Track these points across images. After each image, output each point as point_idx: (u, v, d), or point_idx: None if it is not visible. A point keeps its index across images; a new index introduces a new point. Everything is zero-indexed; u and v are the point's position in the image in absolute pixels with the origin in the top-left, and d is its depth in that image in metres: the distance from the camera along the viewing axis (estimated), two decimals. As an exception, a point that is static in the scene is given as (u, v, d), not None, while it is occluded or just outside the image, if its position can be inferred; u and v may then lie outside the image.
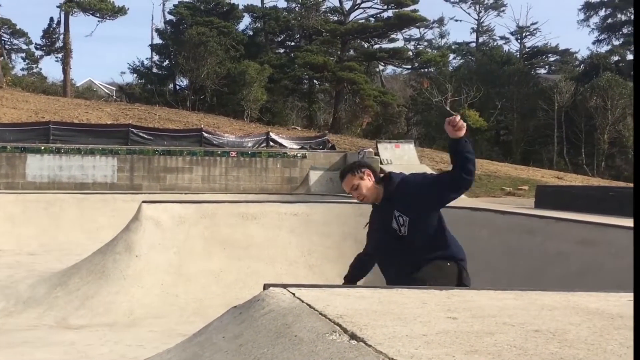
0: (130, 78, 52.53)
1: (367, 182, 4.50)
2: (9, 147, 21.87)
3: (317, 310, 3.05)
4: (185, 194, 20.14)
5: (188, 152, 23.08)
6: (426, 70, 46.99)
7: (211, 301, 9.45)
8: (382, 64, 49.02)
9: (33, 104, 30.82)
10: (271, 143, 24.99)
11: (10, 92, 33.59)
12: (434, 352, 2.48)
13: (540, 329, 2.86)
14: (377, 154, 22.52)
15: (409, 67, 48.36)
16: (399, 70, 52.78)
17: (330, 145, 26.03)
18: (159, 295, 9.46)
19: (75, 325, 8.73)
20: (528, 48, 54.26)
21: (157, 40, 46.38)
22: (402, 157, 22.54)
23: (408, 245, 4.30)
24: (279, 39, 48.31)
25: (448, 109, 41.24)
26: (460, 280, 4.40)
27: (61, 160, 22.07)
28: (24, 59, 55.55)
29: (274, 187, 23.09)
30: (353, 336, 2.71)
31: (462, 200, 17.75)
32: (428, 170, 22.36)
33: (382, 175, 4.66)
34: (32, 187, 21.07)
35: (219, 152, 23.32)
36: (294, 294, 3.36)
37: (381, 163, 22.00)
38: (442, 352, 2.48)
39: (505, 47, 53.88)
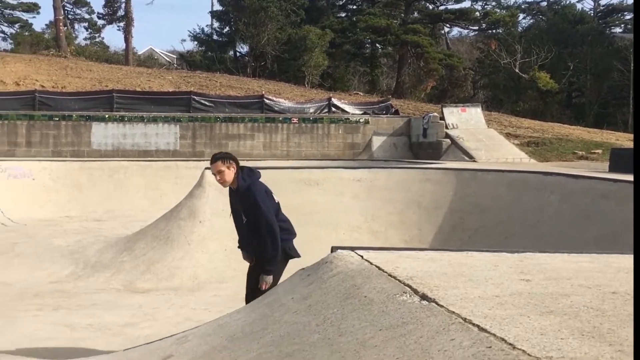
0: (190, 45, 53.17)
1: (230, 172, 5.48)
2: (74, 115, 22.48)
3: (386, 272, 3.06)
4: (247, 160, 20.32)
5: (249, 118, 23.23)
6: (494, 31, 45.72)
7: (275, 266, 9.55)
8: (447, 25, 47.98)
9: (96, 72, 31.53)
10: (333, 109, 24.87)
11: (75, 62, 34.45)
12: (508, 313, 2.45)
13: (617, 290, 2.79)
14: (442, 118, 22.12)
15: (476, 28, 47.15)
16: (465, 32, 51.59)
17: (393, 110, 25.72)
18: (222, 261, 9.62)
19: (142, 289, 8.98)
20: (602, 6, 52.19)
21: (217, 7, 46.63)
22: (468, 122, 22.09)
23: (249, 229, 5.56)
24: (341, 3, 47.78)
25: (517, 71, 40.12)
26: (289, 256, 5.70)
27: (125, 128, 22.57)
28: (86, 29, 56.94)
29: (335, 153, 23.04)
30: (424, 297, 2.69)
31: (532, 165, 17.34)
32: (495, 135, 21.88)
33: (241, 168, 5.60)
34: (97, 154, 21.65)
35: (281, 119, 23.39)
36: (362, 257, 3.37)
37: (447, 128, 21.63)
38: (516, 313, 2.45)
39: (579, 6, 52.20)
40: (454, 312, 2.47)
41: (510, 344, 2.07)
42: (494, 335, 2.18)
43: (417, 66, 42.61)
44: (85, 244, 11.55)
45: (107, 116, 22.72)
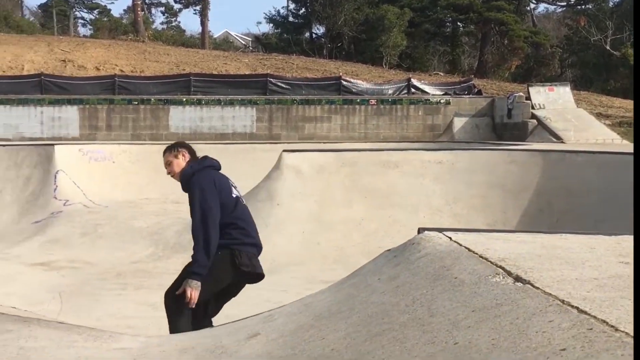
0: (266, 28, 53.56)
1: (180, 162, 4.95)
2: (152, 99, 23.09)
3: (476, 254, 3.02)
4: (324, 143, 20.41)
5: (326, 100, 23.25)
6: (583, 7, 44.08)
7: (352, 249, 9.58)
8: (533, 2, 46.63)
9: (174, 56, 32.25)
10: (412, 90, 24.60)
11: (152, 46, 35.35)
12: (608, 295, 2.40)
13: None
14: (528, 98, 21.52)
15: (564, 4, 45.61)
16: (552, 8, 50.01)
17: (476, 90, 25.22)
18: (300, 243, 9.71)
19: (220, 270, 9.15)
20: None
21: (293, -11, 46.81)
22: (556, 102, 21.40)
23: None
24: (420, -19, 47.13)
25: (608, 48, 38.59)
26: (238, 266, 4.78)
27: (202, 112, 23.01)
28: (163, 13, 58.27)
29: (415, 135, 22.79)
30: (518, 279, 2.65)
31: (625, 146, 16.66)
32: (585, 115, 21.13)
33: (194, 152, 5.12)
34: (175, 137, 22.12)
35: (358, 100, 23.31)
36: (450, 238, 3.32)
37: (533, 108, 21.04)
38: (616, 295, 2.40)
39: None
40: (550, 294, 2.42)
41: (612, 326, 2.03)
42: (595, 317, 2.13)
43: (501, 44, 41.59)
44: (164, 226, 11.89)
45: (184, 100, 23.22)
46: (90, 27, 55.08)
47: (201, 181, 4.77)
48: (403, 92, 24.58)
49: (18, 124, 22.08)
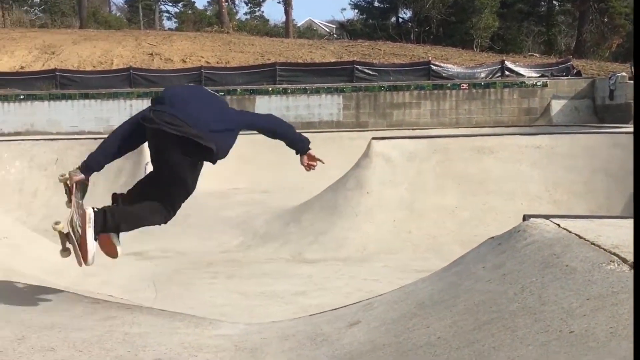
0: (351, 14, 53.56)
1: None
2: (239, 90, 23.50)
3: (588, 241, 2.92)
4: (414, 129, 20.19)
5: (415, 86, 23.03)
6: (691, -23, 41.76)
7: (445, 237, 9.45)
8: (634, -25, 44.53)
9: (258, 46, 32.68)
10: (506, 72, 24.03)
11: (237, 37, 35.93)
12: None
13: None
14: (631, 78, 20.64)
15: (669, -24, 43.26)
16: (655, -19, 47.53)
17: (574, 71, 24.39)
18: (391, 232, 9.65)
19: (310, 259, 9.23)
20: None
21: (378, -28, 46.51)
22: (662, 81, 20.40)
23: None
24: (512, -42, 45.90)
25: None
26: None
27: (288, 101, 23.25)
28: (246, 3, 59.21)
29: (510, 119, 22.27)
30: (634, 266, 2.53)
31: None
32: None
33: None
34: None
35: (449, 85, 22.97)
36: (558, 225, 3.21)
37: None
38: None
39: None
40: (673, 282, 2.29)
41: None
42: None
43: (600, 22, 39.98)
44: (253, 215, 12.07)
45: (270, 89, 23.52)
46: (175, 20, 56.63)
47: None
48: (496, 75, 24.06)
49: (108, 117, 22.96)
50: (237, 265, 9.11)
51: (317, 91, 23.16)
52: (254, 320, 5.40)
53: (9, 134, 22.14)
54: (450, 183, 10.36)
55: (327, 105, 23.07)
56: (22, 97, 23.51)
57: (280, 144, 16.66)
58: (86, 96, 23.30)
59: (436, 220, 9.90)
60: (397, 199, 10.23)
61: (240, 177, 17.08)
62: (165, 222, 4.44)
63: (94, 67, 28.71)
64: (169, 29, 51.51)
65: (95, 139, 17.59)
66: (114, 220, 4.21)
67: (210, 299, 7.08)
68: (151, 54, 30.30)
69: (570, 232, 3.09)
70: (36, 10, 50.95)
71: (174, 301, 6.87)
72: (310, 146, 5.02)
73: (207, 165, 17.38)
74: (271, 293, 7.32)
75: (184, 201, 4.55)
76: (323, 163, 5.00)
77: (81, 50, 30.40)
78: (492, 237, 3.45)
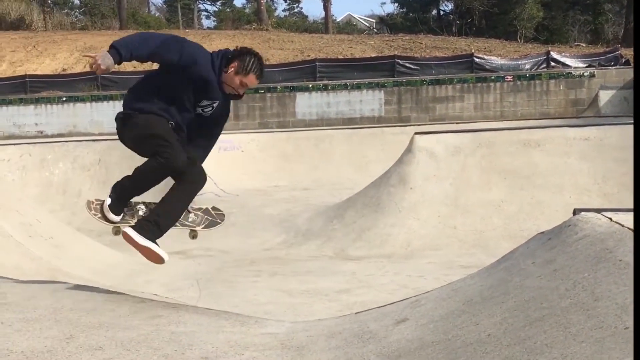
0: (390, 8, 53.31)
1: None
2: (279, 87, 23.58)
3: (642, 235, 2.83)
4: (457, 123, 20.04)
5: (458, 79, 22.82)
6: None
7: (492, 233, 9.35)
8: (686, -41, 43.35)
9: (298, 43, 32.76)
10: (552, 63, 23.66)
11: (276, 34, 36.07)
12: None
13: None
14: (683, 66, 20.13)
15: None
16: None
17: (623, 60, 23.88)
18: (435, 227, 9.58)
19: (354, 256, 9.23)
20: None
21: (418, -35, 46.18)
22: None
23: None
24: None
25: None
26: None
27: (328, 97, 23.26)
28: (285, 0, 59.41)
29: (556, 111, 21.92)
30: None
31: None
32: None
33: None
34: (302, 124, 22.56)
35: (493, 78, 22.70)
36: (610, 219, 3.14)
37: (690, 76, 19.64)
38: None
39: None
40: None
41: None
42: None
43: (649, 9, 39.07)
44: (294, 213, 12.12)
45: (310, 86, 23.55)
46: (214, 18, 57.10)
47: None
48: (542, 67, 23.72)
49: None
50: (279, 263, 9.16)
51: (358, 87, 23.12)
52: (298, 318, 5.42)
53: (52, 136, 22.62)
54: (496, 177, 10.25)
55: (369, 101, 23.01)
56: (64, 99, 23.98)
57: (323, 144, 16.66)
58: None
59: (482, 216, 9.80)
60: (441, 194, 10.15)
61: (281, 174, 17.17)
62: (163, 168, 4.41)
63: (134, 67, 29.08)
64: (208, 27, 52.00)
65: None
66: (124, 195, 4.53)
67: (254, 297, 7.12)
68: (191, 53, 30.61)
69: (623, 225, 3.03)
70: (76, 13, 51.92)
71: (218, 300, 6.94)
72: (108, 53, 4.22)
73: (247, 163, 17.47)
74: (315, 291, 7.33)
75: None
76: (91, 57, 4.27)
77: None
78: (542, 232, 3.40)
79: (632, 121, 13.67)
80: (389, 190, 10.52)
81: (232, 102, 5.09)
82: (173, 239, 11.25)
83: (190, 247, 10.65)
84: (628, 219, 3.19)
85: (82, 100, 23.85)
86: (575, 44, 35.14)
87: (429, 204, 10.01)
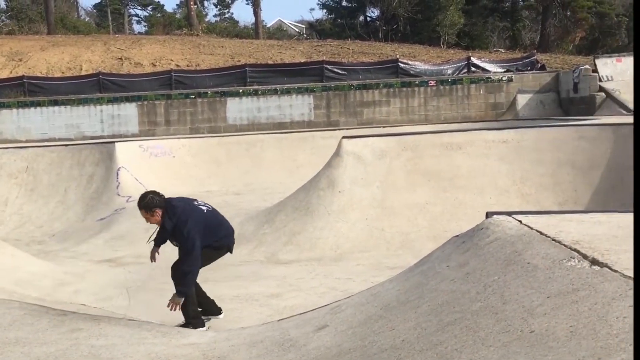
0: (319, 14, 53.55)
1: (156, 216, 6.17)
2: (209, 92, 23.36)
3: (549, 237, 2.93)
4: (384, 127, 20.26)
5: (384, 84, 23.08)
6: (650, -30, 42.33)
7: (417, 234, 9.49)
8: (596, -31, 45.03)
9: (228, 48, 32.49)
10: (472, 68, 24.20)
11: (206, 39, 35.69)
12: None
13: None
14: (595, 70, 20.87)
15: (629, -31, 43.86)
16: (616, -26, 48.14)
17: (539, 65, 24.62)
18: (364, 230, 9.67)
19: (285, 260, 9.22)
20: None
21: (346, -28, 46.50)
22: (624, 73, 20.68)
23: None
24: (476, -45, 46.15)
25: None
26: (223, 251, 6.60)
27: (259, 102, 23.17)
28: (215, 5, 58.92)
29: (477, 114, 22.45)
30: (594, 262, 2.56)
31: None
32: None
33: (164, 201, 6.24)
34: (233, 129, 22.42)
35: (417, 82, 23.06)
36: (520, 221, 3.23)
37: (600, 80, 20.41)
38: None
39: None
40: (630, 277, 2.32)
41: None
42: None
43: (564, 16, 40.42)
44: (226, 218, 12.01)
45: (241, 91, 23.41)
46: (145, 23, 56.14)
47: (183, 225, 6.02)
48: (463, 72, 24.21)
49: (79, 123, 22.71)
50: (211, 269, 9.00)
51: (288, 91, 23.12)
52: (228, 325, 5.37)
53: (-22, 143, 21.77)
54: (421, 180, 10.41)
55: (298, 106, 23.04)
56: (-11, 105, 23.14)
57: (254, 148, 16.59)
58: (55, 103, 23.01)
59: (408, 217, 9.94)
60: (369, 197, 10.25)
61: (213, 179, 17.02)
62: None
63: (62, 73, 28.35)
64: (139, 32, 51.05)
65: (66, 145, 17.43)
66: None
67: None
68: (120, 59, 29.99)
69: (532, 228, 3.11)
70: (3, 17, 50.18)
71: (148, 308, 6.82)
72: (182, 298, 5.95)
73: (179, 169, 17.19)
74: (246, 296, 7.29)
75: None
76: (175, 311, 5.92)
77: (49, 57, 30.01)
78: (457, 235, 3.46)
79: (593, 122, 14.12)
80: (318, 194, 10.56)
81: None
82: (103, 247, 10.99)
83: (120, 254, 10.44)
84: (537, 222, 3.28)
85: (8, 106, 23.06)
86: (495, 49, 36.03)
87: (357, 207, 10.09)
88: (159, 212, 6.14)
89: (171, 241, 6.34)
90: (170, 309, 5.84)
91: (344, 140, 11.05)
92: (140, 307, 6.87)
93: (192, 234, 5.98)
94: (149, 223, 6.31)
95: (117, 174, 15.46)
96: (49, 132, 22.62)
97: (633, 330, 1.85)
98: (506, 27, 43.44)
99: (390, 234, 9.64)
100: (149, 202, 6.16)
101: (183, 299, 5.91)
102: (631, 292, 2.21)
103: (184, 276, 6.00)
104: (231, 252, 6.71)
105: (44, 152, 15.99)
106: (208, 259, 6.43)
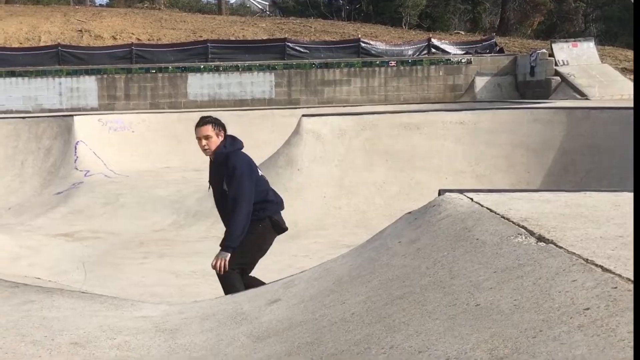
0: (283, -9, 53.02)
1: (217, 139, 5.23)
2: (170, 67, 23.07)
3: (498, 214, 2.99)
4: (344, 106, 20.29)
5: (345, 63, 23.07)
6: (607, -42, 43.01)
7: (374, 212, 9.58)
8: (555, -45, 45.53)
9: (190, 23, 32.06)
10: (433, 50, 24.31)
11: (168, 13, 35.16)
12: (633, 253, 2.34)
13: None
14: (551, 54, 21.18)
15: (587, -44, 44.46)
16: (574, -39, 48.73)
17: (497, 48, 24.85)
18: (321, 208, 9.72)
19: (242, 236, 9.21)
20: None
21: (309, -52, 46.15)
22: (580, 57, 21.04)
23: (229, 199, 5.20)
24: (438, -64, 46.19)
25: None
26: (278, 227, 5.49)
27: (220, 78, 22.97)
28: (179, -21, 57.92)
29: (436, 96, 22.61)
30: (541, 238, 2.62)
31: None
32: (610, 71, 20.75)
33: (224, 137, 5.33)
34: (194, 105, 22.20)
35: (378, 62, 23.09)
36: (471, 199, 3.29)
37: (556, 65, 20.73)
38: None
39: None
40: (574, 253, 2.39)
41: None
42: (620, 275, 2.10)
43: (523, 1, 40.82)
44: (185, 194, 11.95)
45: (202, 67, 23.17)
46: (106, -5, 54.91)
47: (240, 163, 5.16)
48: (423, 53, 24.31)
49: (37, 95, 22.23)
50: (169, 244, 9.03)
51: (249, 68, 22.96)
52: (184, 300, 5.36)
53: None
54: (379, 159, 10.49)
55: (260, 83, 22.90)
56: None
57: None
58: (13, 74, 22.46)
59: (366, 196, 10.02)
60: (327, 176, 10.29)
61: (172, 155, 16.87)
62: None
63: (20, 44, 27.64)
64: (100, 5, 49.98)
65: (23, 117, 17.07)
66: None
67: (141, 280, 7.00)
68: (80, 31, 29.36)
69: (482, 206, 3.16)
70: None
71: (104, 282, 6.76)
72: (228, 253, 5.11)
73: (138, 144, 17.01)
74: (202, 272, 7.27)
75: None
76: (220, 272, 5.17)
77: (7, 27, 29.21)
78: (409, 212, 3.50)
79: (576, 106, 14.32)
80: (277, 172, 10.55)
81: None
82: (59, 222, 10.85)
83: (77, 229, 10.32)
84: (487, 199, 3.34)
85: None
86: (455, 31, 36.25)
87: (315, 185, 10.13)
88: (222, 134, 5.24)
89: (218, 187, 5.34)
90: (216, 268, 5.14)
91: (304, 118, 11.05)
92: (96, 282, 6.81)
93: (246, 175, 5.14)
94: (203, 149, 5.26)
95: (76, 148, 15.22)
96: (6, 103, 22.09)
97: (633, 329, 1.90)
98: (467, 10, 43.70)
99: (348, 212, 9.71)
100: (217, 119, 5.33)
101: (229, 256, 5.05)
102: (575, 268, 2.27)
103: (233, 225, 5.07)
104: (283, 229, 5.60)
105: (1, 124, 15.65)
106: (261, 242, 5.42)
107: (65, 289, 3.90)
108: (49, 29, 29.45)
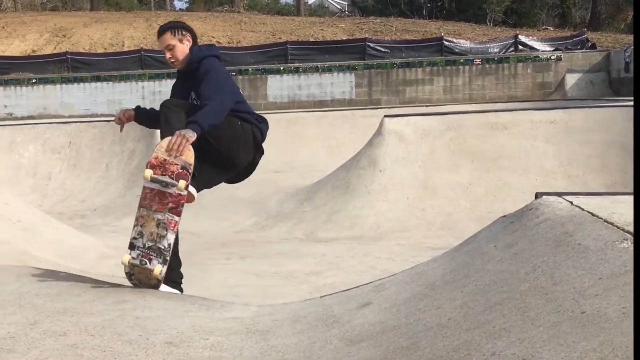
0: (362, -10, 53.03)
1: (184, 47, 4.43)
2: (250, 69, 23.45)
3: (601, 218, 2.88)
4: (427, 106, 20.10)
5: (428, 62, 22.87)
6: None
7: (460, 215, 9.43)
8: (651, -56, 43.72)
9: (269, 25, 32.51)
10: (520, 47, 23.80)
11: (248, 16, 35.76)
12: None
13: None
14: (647, 51, 20.39)
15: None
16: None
17: (589, 44, 24.11)
18: (404, 209, 9.63)
19: (324, 238, 9.25)
20: None
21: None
22: (680, 52, 20.15)
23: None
24: None
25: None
26: (258, 142, 4.62)
27: (300, 80, 23.18)
28: (257, -19, 58.84)
29: (524, 94, 22.11)
30: None
31: None
32: None
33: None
34: (274, 107, 22.48)
35: (462, 61, 22.79)
36: (571, 202, 3.17)
37: (654, 61, 19.93)
38: None
39: None
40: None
41: None
42: None
43: (616, -7, 39.43)
44: (266, 195, 12.09)
45: (282, 68, 23.44)
46: (186, 0, 56.37)
47: (219, 67, 4.37)
48: (510, 50, 23.85)
49: (121, 99, 23.02)
50: (250, 245, 9.14)
51: (329, 69, 23.07)
52: (267, 301, 5.42)
53: (22, 118, 22.26)
54: (464, 160, 10.31)
55: (340, 84, 22.98)
56: (34, 80, 23.58)
57: (294, 126, 16.60)
58: (98, 79, 23.35)
59: (450, 198, 9.87)
60: (410, 177, 10.20)
61: (253, 157, 17.09)
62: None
63: (105, 49, 28.71)
64: (180, 9, 51.37)
65: (108, 121, 17.66)
66: None
67: (224, 280, 7.11)
68: (162, 35, 30.24)
69: (583, 209, 3.06)
70: (47, -7, 50.88)
71: (188, 283, 6.88)
72: (194, 132, 3.99)
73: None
74: (285, 273, 7.34)
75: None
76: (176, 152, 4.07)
77: (92, 33, 30.41)
78: (504, 216, 3.42)
79: (605, 104, 13.83)
80: (358, 173, 10.54)
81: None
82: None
83: (161, 229, 10.58)
84: (588, 203, 3.22)
85: (52, 81, 23.47)
86: (543, 27, 35.35)
87: (398, 186, 10.05)
88: (189, 40, 4.47)
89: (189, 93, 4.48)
90: (170, 147, 3.99)
91: (386, 118, 10.99)
92: (182, 281, 6.96)
93: (228, 78, 4.41)
94: (169, 61, 4.49)
95: (157, 150, 15.58)
96: (92, 107, 22.99)
97: (633, 329, 1.81)
98: (555, 5, 42.51)
99: (432, 215, 9.59)
100: (175, 23, 4.56)
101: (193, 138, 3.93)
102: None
103: (206, 107, 4.06)
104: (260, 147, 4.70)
105: (87, 127, 16.24)
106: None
107: (156, 290, 4.00)
108: (132, 34, 30.48)
